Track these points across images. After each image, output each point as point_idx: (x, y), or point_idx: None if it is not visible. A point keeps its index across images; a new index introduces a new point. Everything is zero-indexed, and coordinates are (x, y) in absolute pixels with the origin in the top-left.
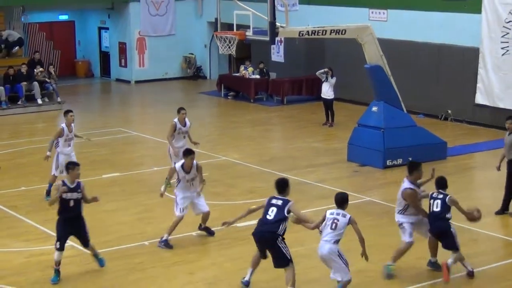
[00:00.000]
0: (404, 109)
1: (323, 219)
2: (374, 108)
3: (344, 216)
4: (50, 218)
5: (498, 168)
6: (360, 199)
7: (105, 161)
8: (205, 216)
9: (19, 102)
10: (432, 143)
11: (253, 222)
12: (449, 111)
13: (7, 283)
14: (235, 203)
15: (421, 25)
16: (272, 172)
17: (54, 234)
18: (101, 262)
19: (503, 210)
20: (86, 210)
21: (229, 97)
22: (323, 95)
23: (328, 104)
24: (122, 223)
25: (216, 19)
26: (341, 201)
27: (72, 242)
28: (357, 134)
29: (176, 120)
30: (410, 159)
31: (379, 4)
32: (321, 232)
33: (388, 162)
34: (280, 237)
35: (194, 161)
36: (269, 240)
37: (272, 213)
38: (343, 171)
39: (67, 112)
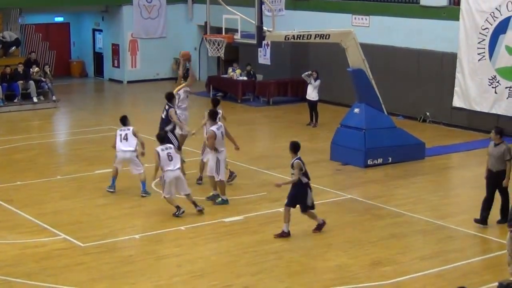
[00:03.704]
0: (385, 111)
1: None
2: (356, 110)
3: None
4: (44, 211)
5: (486, 178)
6: (341, 197)
7: (98, 158)
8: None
9: (16, 100)
10: (411, 144)
11: (239, 217)
12: (428, 114)
13: (3, 274)
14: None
15: (402, 31)
16: (258, 170)
17: (48, 227)
18: None
19: (484, 219)
20: (79, 203)
21: (217, 98)
22: (307, 97)
23: (312, 105)
24: (113, 217)
25: (206, 22)
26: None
27: (65, 235)
28: (340, 134)
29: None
30: (390, 159)
31: (362, 10)
32: None
33: (369, 162)
34: None
35: None
36: None
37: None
38: (326, 169)
39: None
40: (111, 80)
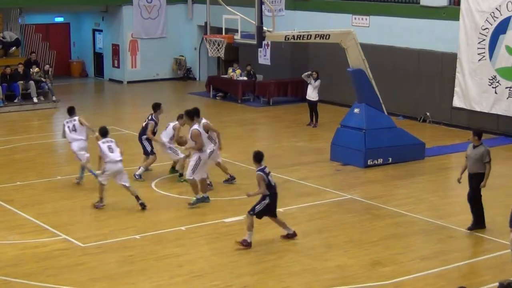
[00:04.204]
0: (385, 111)
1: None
2: (356, 110)
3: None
4: (44, 212)
5: (459, 181)
6: (341, 197)
7: (98, 158)
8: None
9: (16, 100)
10: (411, 144)
11: (239, 217)
12: (428, 114)
13: (3, 274)
14: (222, 199)
15: (402, 31)
16: None
17: (48, 227)
18: None
19: (476, 225)
20: (79, 205)
21: (217, 98)
22: (307, 97)
23: (312, 106)
24: (113, 217)
25: (206, 23)
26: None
27: (65, 235)
28: (340, 134)
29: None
30: (390, 159)
31: (362, 10)
32: None
33: (369, 162)
34: None
35: None
36: None
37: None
38: (326, 169)
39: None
40: (111, 80)
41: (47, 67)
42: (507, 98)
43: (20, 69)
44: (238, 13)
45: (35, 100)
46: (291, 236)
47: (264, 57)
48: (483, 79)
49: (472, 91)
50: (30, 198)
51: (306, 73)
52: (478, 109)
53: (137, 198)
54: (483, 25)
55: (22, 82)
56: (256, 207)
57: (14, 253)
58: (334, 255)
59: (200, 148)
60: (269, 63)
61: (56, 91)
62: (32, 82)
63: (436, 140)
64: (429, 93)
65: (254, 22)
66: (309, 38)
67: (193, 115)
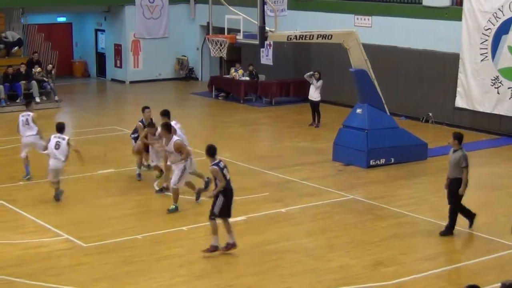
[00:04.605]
0: (387, 111)
1: None
2: (359, 110)
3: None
4: (47, 211)
5: (445, 187)
6: (344, 197)
7: (100, 158)
8: None
9: (18, 100)
10: (414, 144)
11: (241, 218)
12: (430, 114)
13: (5, 274)
14: None
15: (404, 31)
16: (260, 170)
17: (50, 227)
18: None
19: (450, 229)
20: (82, 204)
21: (219, 98)
22: (310, 97)
23: (314, 106)
24: (116, 217)
25: (208, 23)
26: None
27: (67, 235)
28: (342, 135)
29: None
30: (393, 159)
31: (364, 10)
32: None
33: (372, 162)
34: None
35: None
36: None
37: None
38: (328, 170)
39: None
40: (113, 80)
41: (49, 67)
42: (510, 99)
43: (22, 69)
44: (241, 13)
45: (37, 100)
46: (230, 246)
47: (266, 57)
48: (485, 80)
49: (475, 92)
50: (32, 198)
51: (308, 73)
52: (480, 110)
53: (56, 197)
54: (485, 26)
55: (24, 82)
56: (215, 210)
57: (16, 253)
58: (336, 255)
59: (187, 157)
60: (271, 63)
61: (58, 91)
62: (34, 82)
63: (438, 140)
64: (431, 94)
65: (256, 22)
66: (311, 38)
67: (169, 127)
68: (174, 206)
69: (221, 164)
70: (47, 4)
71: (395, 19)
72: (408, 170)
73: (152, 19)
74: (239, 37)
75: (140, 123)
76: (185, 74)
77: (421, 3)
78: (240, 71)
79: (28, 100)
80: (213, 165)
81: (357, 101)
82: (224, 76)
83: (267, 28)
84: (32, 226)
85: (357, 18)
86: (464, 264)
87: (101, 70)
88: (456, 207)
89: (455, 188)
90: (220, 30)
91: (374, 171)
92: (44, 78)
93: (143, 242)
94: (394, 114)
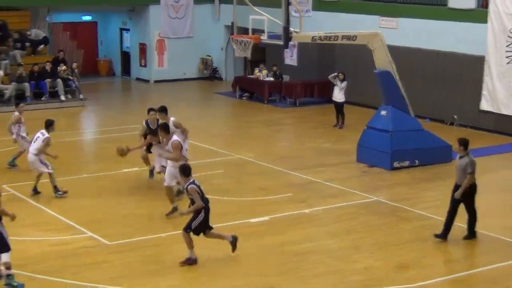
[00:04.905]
0: (412, 113)
1: None
2: (383, 112)
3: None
4: (70, 209)
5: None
6: (367, 199)
7: (124, 156)
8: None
9: (43, 98)
10: (438, 147)
11: (264, 218)
12: (455, 117)
13: (28, 270)
14: (246, 199)
15: (430, 33)
16: (283, 171)
17: (74, 224)
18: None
19: (445, 235)
20: (105, 201)
21: (243, 98)
22: (334, 98)
23: (338, 107)
24: (139, 215)
25: (233, 23)
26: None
27: (90, 233)
28: (366, 136)
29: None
30: (417, 161)
31: (389, 12)
32: None
33: (395, 164)
34: None
35: None
36: None
37: None
38: (352, 171)
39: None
40: (138, 79)
41: (74, 65)
42: None
43: (48, 67)
44: (265, 14)
45: (62, 98)
46: (233, 241)
47: (290, 58)
48: (511, 82)
49: (500, 94)
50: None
51: (333, 75)
52: (505, 113)
53: (34, 190)
54: (511, 28)
55: (49, 80)
56: (193, 223)
57: (39, 250)
58: (360, 257)
59: (178, 160)
60: (296, 64)
61: (83, 90)
62: (59, 80)
63: None
64: (456, 96)
65: (280, 23)
66: (336, 39)
67: (168, 128)
68: (172, 207)
69: (197, 183)
70: (73, 3)
71: (421, 21)
72: (432, 172)
73: (177, 19)
74: (264, 37)
75: (144, 124)
76: (209, 74)
77: (447, 5)
78: (264, 72)
79: (17, 102)
80: (191, 184)
81: (381, 103)
82: (248, 76)
83: (291, 29)
84: (55, 223)
85: (382, 20)
86: (488, 268)
87: (126, 69)
88: (450, 211)
89: (465, 195)
90: (244, 30)
91: (398, 173)
92: (69, 77)
93: (166, 241)
94: (419, 116)
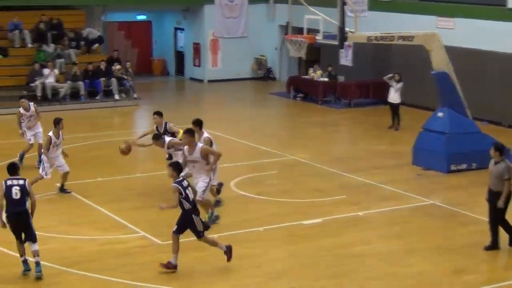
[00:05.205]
0: (470, 116)
1: None
2: (440, 114)
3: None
4: (124, 208)
5: (487, 199)
6: (423, 202)
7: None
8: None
9: (97, 97)
10: None
11: (318, 220)
12: None
13: (81, 269)
14: (301, 201)
15: (488, 34)
16: (337, 172)
17: (128, 223)
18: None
19: (495, 245)
20: (157, 201)
21: (297, 99)
22: (389, 100)
23: (394, 108)
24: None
25: (288, 22)
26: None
27: (143, 232)
28: (422, 138)
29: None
30: (474, 164)
31: (447, 12)
32: None
33: (452, 167)
34: None
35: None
36: None
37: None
38: (407, 174)
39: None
40: (191, 79)
41: (128, 64)
42: None
43: (102, 66)
44: (320, 14)
45: (116, 97)
46: (227, 251)
47: (345, 58)
48: None
49: None
50: (111, 194)
51: (388, 75)
52: None
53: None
54: None
55: (104, 79)
56: (197, 227)
57: (93, 248)
58: (415, 261)
59: (217, 158)
60: (351, 64)
61: (137, 89)
62: (114, 79)
63: None
64: None
65: (336, 23)
66: (392, 39)
67: (193, 132)
68: (210, 213)
69: (184, 183)
70: (128, 2)
71: (479, 21)
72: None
73: (232, 18)
74: (319, 37)
75: (155, 128)
76: (263, 74)
77: (506, 6)
78: (319, 72)
79: (20, 96)
80: (176, 183)
81: (438, 104)
82: (303, 76)
83: (346, 29)
84: (109, 222)
85: (440, 20)
86: None
87: (180, 69)
88: (499, 221)
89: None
90: (299, 30)
91: (455, 176)
92: (124, 76)
93: (222, 241)
94: (476, 119)
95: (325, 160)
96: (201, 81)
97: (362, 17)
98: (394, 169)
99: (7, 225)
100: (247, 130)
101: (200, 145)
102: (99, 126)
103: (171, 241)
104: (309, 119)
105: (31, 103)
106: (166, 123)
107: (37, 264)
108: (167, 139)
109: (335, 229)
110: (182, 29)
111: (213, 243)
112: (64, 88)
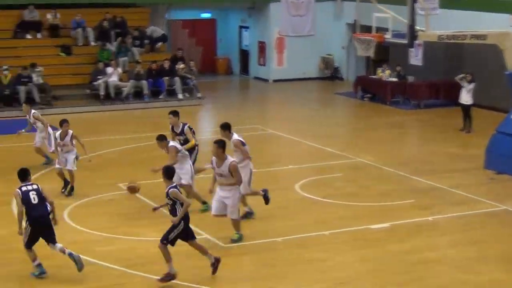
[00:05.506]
0: None
1: None
2: None
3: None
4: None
5: None
6: (496, 208)
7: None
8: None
9: (161, 96)
10: None
11: (385, 225)
12: None
13: (144, 270)
14: (368, 205)
15: None
16: (406, 176)
17: (190, 225)
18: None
19: None
20: None
21: (365, 99)
22: (460, 101)
23: (466, 110)
24: (257, 218)
25: (355, 21)
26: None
27: (206, 234)
28: (496, 141)
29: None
30: None
31: None
32: None
33: None
34: None
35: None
36: None
37: None
38: (479, 178)
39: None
40: (256, 78)
41: (192, 63)
42: None
43: (166, 65)
44: (389, 11)
45: (180, 96)
46: (215, 263)
47: (415, 58)
48: None
49: None
50: None
51: (460, 75)
52: None
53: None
54: None
55: (167, 78)
56: (170, 235)
57: (155, 250)
58: (487, 269)
59: (240, 182)
60: (421, 64)
61: (201, 88)
62: (177, 78)
63: None
64: None
65: (405, 21)
66: (464, 38)
67: (224, 145)
68: (238, 235)
69: (178, 187)
70: (193, 0)
71: None
72: None
73: (298, 16)
74: (387, 36)
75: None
76: (330, 74)
77: None
78: (388, 72)
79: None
80: (172, 187)
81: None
82: (371, 76)
83: (416, 27)
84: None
85: None
86: None
87: (245, 68)
88: None
89: None
90: (367, 29)
91: None
92: (187, 75)
93: (283, 245)
94: None
95: (393, 163)
96: (266, 80)
97: (433, 15)
98: (465, 173)
99: (29, 230)
100: (312, 131)
101: (230, 159)
102: (162, 125)
103: (235, 244)
104: (376, 120)
105: (33, 111)
106: (184, 125)
107: (70, 254)
108: (172, 143)
109: (402, 235)
110: (247, 28)
111: (203, 251)
112: (127, 87)
